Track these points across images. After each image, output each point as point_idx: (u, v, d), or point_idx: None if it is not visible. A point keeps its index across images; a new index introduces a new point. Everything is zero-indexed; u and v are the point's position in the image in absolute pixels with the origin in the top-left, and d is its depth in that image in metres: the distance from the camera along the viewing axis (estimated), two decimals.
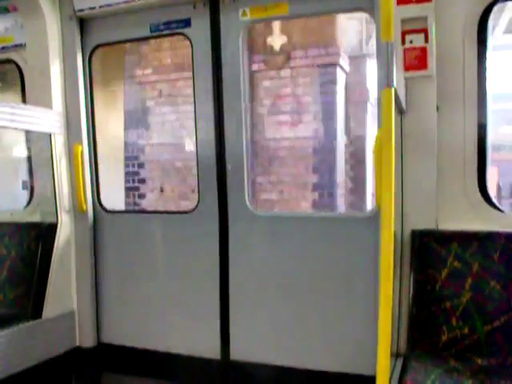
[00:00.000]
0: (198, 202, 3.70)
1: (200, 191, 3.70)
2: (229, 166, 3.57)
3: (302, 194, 6.26)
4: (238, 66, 3.51)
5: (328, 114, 6.83)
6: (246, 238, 3.59)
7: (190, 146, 8.40)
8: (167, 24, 3.70)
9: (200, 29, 3.60)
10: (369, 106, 8.82)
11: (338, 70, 6.45)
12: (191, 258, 3.75)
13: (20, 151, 4.89)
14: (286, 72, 7.41)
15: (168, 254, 3.88)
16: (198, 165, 3.70)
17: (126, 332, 3.96)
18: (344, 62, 6.62)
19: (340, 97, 6.89)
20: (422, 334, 2.81)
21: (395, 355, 2.84)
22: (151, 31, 3.77)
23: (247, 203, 3.55)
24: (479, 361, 2.62)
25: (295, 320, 3.46)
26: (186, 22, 3.65)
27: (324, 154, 7.04)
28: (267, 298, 3.54)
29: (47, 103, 3.78)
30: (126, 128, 7.33)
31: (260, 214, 3.62)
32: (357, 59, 7.71)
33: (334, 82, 6.48)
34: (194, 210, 3.72)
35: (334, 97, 6.66)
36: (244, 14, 3.46)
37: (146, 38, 4.14)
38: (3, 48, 4.15)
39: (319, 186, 7.22)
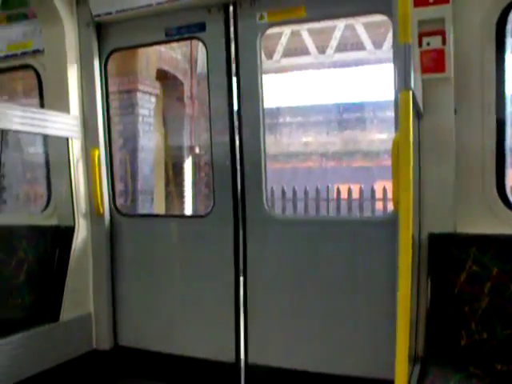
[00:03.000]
0: (214, 205, 3.70)
1: (215, 194, 3.71)
2: (247, 167, 3.56)
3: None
4: (255, 69, 3.51)
5: (131, 132, 7.47)
6: (263, 241, 3.58)
7: None
8: (182, 28, 3.73)
9: (215, 33, 3.62)
10: None
11: (139, 94, 7.24)
12: (207, 261, 3.76)
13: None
14: None
15: (184, 257, 3.89)
16: (212, 168, 3.72)
17: (142, 335, 3.97)
18: (147, 87, 7.31)
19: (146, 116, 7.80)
20: (441, 338, 2.78)
21: (413, 359, 2.81)
22: (166, 35, 3.79)
23: (265, 206, 3.55)
24: (499, 366, 2.58)
25: (312, 323, 3.44)
26: (201, 27, 3.67)
27: (127, 164, 7.72)
28: (284, 301, 3.52)
29: (65, 108, 3.82)
30: None
31: (278, 217, 3.61)
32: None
33: (135, 104, 7.24)
34: (209, 213, 3.73)
35: (136, 117, 7.32)
36: (261, 17, 3.46)
37: (161, 42, 4.17)
38: (22, 54, 4.20)
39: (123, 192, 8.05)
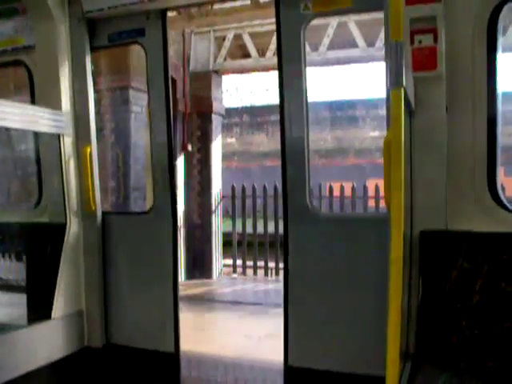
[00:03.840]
0: (154, 203, 3.84)
1: (155, 193, 3.82)
2: (289, 164, 3.48)
3: (104, 197, 6.73)
4: (299, 60, 3.41)
5: (123, 129, 7.43)
6: (306, 239, 3.48)
7: None
8: (123, 33, 3.87)
9: (153, 38, 3.75)
10: (214, 116, 9.64)
11: (132, 91, 7.27)
12: (152, 254, 3.87)
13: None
14: None
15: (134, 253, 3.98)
16: (152, 167, 3.84)
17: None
18: (140, 84, 7.31)
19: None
20: (432, 335, 2.79)
21: (405, 356, 2.83)
22: (109, 41, 3.96)
23: (307, 203, 3.46)
24: (490, 363, 2.60)
25: (355, 325, 3.34)
26: (140, 32, 3.81)
27: (119, 161, 7.64)
28: (327, 303, 3.40)
29: (56, 104, 3.80)
30: None
31: (322, 215, 3.56)
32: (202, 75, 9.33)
33: (128, 101, 7.27)
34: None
35: (129, 114, 7.33)
36: (306, 7, 3.37)
37: (105, 47, 4.22)
38: (13, 49, 4.17)
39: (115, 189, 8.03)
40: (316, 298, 3.44)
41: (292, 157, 3.46)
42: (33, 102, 4.28)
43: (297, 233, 3.48)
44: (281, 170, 3.49)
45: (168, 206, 3.80)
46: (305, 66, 3.43)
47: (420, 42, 2.84)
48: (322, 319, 3.43)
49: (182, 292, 8.28)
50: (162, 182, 3.80)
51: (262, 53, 9.15)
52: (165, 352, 3.84)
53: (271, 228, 9.55)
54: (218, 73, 9.72)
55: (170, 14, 7.08)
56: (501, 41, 2.91)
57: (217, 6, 7.28)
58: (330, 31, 8.43)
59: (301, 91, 3.43)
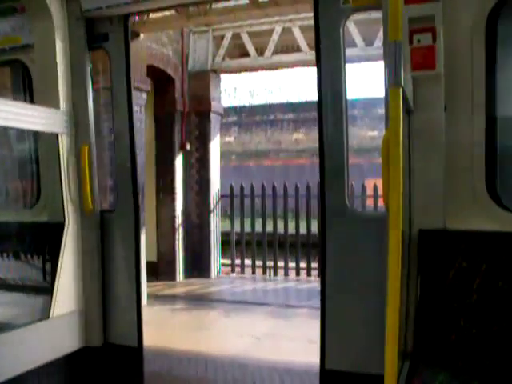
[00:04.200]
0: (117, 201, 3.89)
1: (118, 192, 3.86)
2: (328, 162, 3.38)
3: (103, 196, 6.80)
4: (338, 57, 3.34)
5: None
6: (345, 240, 3.38)
7: None
8: (89, 38, 3.91)
9: (116, 43, 3.84)
10: (212, 116, 9.63)
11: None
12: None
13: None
14: None
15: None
16: (116, 168, 3.93)
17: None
18: (138, 83, 7.46)
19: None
20: (430, 333, 2.79)
21: (403, 355, 2.83)
22: None
23: (347, 202, 3.38)
24: (487, 361, 2.60)
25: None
26: (104, 37, 3.89)
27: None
28: (366, 304, 3.27)
29: (54, 103, 3.79)
30: None
31: (361, 215, 3.51)
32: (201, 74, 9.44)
33: None
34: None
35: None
36: (346, 1, 3.28)
37: None
38: (11, 48, 4.16)
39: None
40: (354, 299, 3.34)
41: (330, 155, 3.36)
42: (31, 101, 4.28)
43: (335, 233, 3.38)
44: (318, 168, 3.39)
45: (131, 206, 3.91)
46: (344, 63, 3.34)
47: (419, 41, 2.84)
48: (361, 321, 3.31)
49: (179, 290, 8.39)
50: (125, 182, 3.93)
51: (260, 52, 9.15)
52: (130, 346, 3.93)
53: (270, 228, 9.56)
54: (217, 72, 9.74)
55: (167, 13, 7.14)
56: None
57: (215, 6, 7.27)
58: None
59: (340, 88, 3.35)
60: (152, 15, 7.10)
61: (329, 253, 3.37)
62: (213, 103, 9.57)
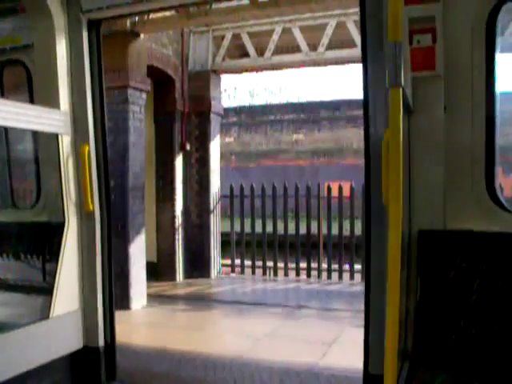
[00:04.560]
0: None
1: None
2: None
3: None
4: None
5: (122, 128, 7.50)
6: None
7: None
8: None
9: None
10: (212, 116, 9.62)
11: (130, 90, 7.39)
12: None
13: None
14: None
15: None
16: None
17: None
18: (138, 83, 7.52)
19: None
20: (430, 334, 2.79)
21: (403, 355, 2.83)
22: None
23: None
24: (487, 362, 2.60)
25: None
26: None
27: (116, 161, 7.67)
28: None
29: (54, 103, 3.79)
30: None
31: None
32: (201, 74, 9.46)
33: (126, 100, 7.37)
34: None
35: (127, 113, 7.41)
36: None
37: None
38: (11, 49, 4.16)
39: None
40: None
41: (376, 154, 3.18)
42: (31, 101, 4.28)
43: (381, 234, 3.17)
44: (364, 169, 3.25)
45: (104, 208, 3.97)
46: None
47: (419, 41, 2.84)
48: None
49: (179, 290, 8.38)
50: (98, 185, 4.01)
51: (260, 52, 9.14)
52: (97, 347, 3.98)
53: (270, 228, 9.57)
54: (217, 72, 9.74)
55: (167, 13, 7.15)
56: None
57: (216, 6, 7.27)
58: (329, 31, 8.43)
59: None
60: (152, 15, 7.10)
61: (374, 255, 3.21)
62: (213, 103, 9.57)
